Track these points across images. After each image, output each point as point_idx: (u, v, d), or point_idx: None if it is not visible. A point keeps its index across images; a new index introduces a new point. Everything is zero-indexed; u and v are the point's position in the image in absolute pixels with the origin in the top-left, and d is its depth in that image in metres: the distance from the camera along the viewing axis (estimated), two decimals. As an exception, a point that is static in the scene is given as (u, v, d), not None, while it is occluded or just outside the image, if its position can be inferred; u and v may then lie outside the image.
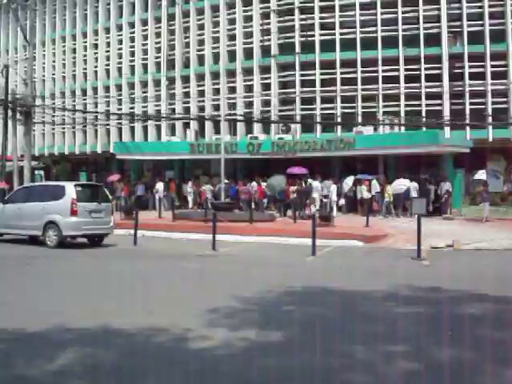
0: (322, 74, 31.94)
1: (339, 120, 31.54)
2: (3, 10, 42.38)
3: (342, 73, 31.39)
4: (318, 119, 32.10)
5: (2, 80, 30.19)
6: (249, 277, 10.97)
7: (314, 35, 32.20)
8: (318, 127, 32.08)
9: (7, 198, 18.60)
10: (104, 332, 6.49)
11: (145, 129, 38.38)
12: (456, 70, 29.55)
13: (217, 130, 33.38)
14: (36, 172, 35.89)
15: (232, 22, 35.02)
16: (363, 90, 30.95)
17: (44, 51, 43.73)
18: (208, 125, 35.30)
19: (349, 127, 31.22)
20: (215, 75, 35.56)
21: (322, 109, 32.12)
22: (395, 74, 30.24)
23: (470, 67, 29.19)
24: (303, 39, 32.49)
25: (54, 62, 43.49)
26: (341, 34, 31.53)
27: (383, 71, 30.45)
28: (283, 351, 5.86)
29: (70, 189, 16.29)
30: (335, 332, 6.71)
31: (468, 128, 28.78)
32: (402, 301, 8.56)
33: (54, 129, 41.92)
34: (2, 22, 46.23)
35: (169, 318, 7.10)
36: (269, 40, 33.57)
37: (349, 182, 27.13)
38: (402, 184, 25.79)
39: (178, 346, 5.96)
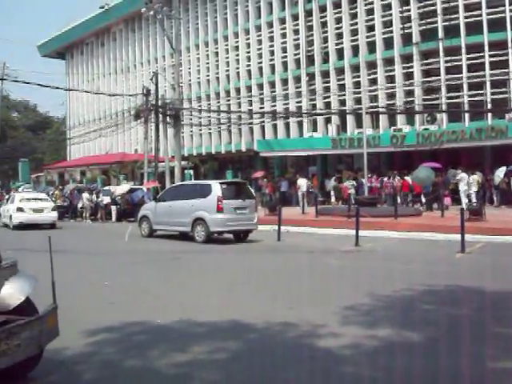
0: (468, 58, 30.15)
1: (489, 107, 29.59)
2: (150, 21, 45.02)
3: (490, 55, 29.36)
4: (466, 107, 30.38)
5: (152, 87, 32.17)
6: (391, 274, 10.62)
7: (458, 18, 30.48)
8: (466, 115, 30.38)
9: (159, 196, 19.81)
10: (236, 326, 6.64)
11: (287, 126, 38.88)
12: None
13: (359, 124, 32.88)
14: (186, 171, 37.74)
15: (370, 12, 34.30)
16: (515, 72, 28.73)
17: (189, 57, 45.90)
18: (349, 119, 34.96)
19: (500, 114, 29.20)
20: (355, 68, 35.07)
21: (469, 96, 30.33)
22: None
23: None
24: (446, 23, 30.90)
25: (198, 66, 45.52)
26: (488, 13, 29.47)
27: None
28: (420, 353, 5.55)
29: (216, 187, 16.93)
30: (480, 336, 6.22)
31: None
32: None
33: (201, 130, 43.88)
34: (150, 32, 49.30)
35: (303, 314, 7.09)
36: (409, 27, 32.37)
37: (500, 173, 25.40)
38: None
39: (306, 343, 5.90)
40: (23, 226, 22.85)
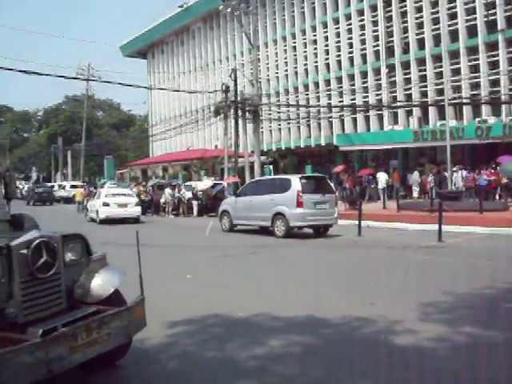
0: (560, 44, 28.59)
1: None
2: (228, 18, 45.50)
3: None
4: (557, 95, 28.84)
5: (231, 83, 32.57)
6: (473, 270, 10.25)
7: (548, 1, 28.93)
8: (558, 104, 28.85)
9: (239, 191, 20.09)
10: (313, 321, 6.66)
11: (367, 119, 38.30)
12: None
13: (441, 116, 31.87)
14: (265, 166, 37.97)
15: (453, -1, 33.15)
16: None
17: (267, 52, 46.03)
18: (432, 110, 33.98)
19: None
20: (437, 58, 33.98)
21: (561, 83, 28.77)
22: None
23: None
24: (535, 8, 29.40)
25: (276, 61, 45.57)
26: None
27: None
28: (501, 353, 5.34)
29: (296, 181, 16.96)
30: None
31: None
32: None
33: (279, 125, 43.98)
34: (228, 29, 49.87)
35: (380, 310, 7.02)
36: (494, 14, 30.98)
37: None
38: None
39: (381, 339, 5.85)
40: (109, 221, 23.78)
